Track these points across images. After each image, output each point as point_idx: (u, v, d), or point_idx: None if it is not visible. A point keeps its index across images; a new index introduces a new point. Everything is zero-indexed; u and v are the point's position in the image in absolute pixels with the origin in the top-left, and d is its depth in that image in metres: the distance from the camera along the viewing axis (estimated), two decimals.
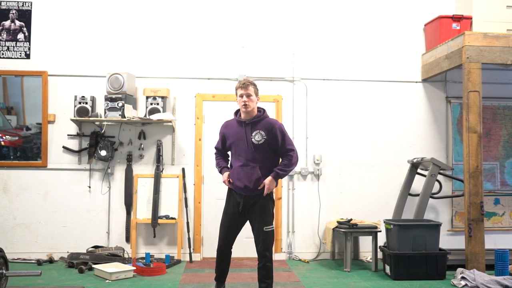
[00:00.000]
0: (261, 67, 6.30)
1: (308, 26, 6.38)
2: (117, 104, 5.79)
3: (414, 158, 6.06)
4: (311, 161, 6.29)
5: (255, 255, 4.13)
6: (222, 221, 4.22)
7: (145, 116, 5.93)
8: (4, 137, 6.12)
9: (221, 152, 4.34)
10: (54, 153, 6.07)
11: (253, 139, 4.03)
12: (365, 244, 6.16)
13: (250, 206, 4.10)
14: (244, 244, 6.04)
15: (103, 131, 6.02)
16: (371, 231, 5.64)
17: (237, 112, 4.25)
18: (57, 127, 6.08)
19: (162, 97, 5.94)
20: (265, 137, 4.05)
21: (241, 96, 4.09)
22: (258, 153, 4.04)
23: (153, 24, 6.25)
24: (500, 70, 6.35)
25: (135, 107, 6.09)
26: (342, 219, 5.92)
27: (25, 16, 6.15)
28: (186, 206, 6.07)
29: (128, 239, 6.02)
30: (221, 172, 4.24)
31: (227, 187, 4.24)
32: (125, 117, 5.79)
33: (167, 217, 5.97)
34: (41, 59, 6.12)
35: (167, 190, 6.08)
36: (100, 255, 5.58)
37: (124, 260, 5.60)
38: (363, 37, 6.43)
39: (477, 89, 5.32)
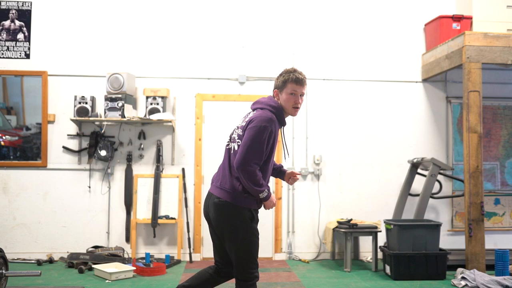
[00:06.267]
0: (261, 67, 6.30)
1: (308, 26, 6.38)
2: (117, 104, 5.79)
3: (414, 158, 6.06)
4: (311, 161, 6.29)
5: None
6: (255, 244, 3.12)
7: (145, 116, 5.93)
8: (4, 137, 6.12)
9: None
10: (54, 153, 6.06)
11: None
12: (365, 244, 6.16)
13: None
14: None
15: (103, 131, 6.02)
16: (371, 231, 5.63)
17: (276, 108, 3.05)
18: (57, 127, 6.08)
19: (162, 97, 5.94)
20: None
21: (294, 93, 3.02)
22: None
23: (153, 24, 6.24)
24: (500, 70, 6.36)
25: (135, 107, 6.09)
26: (342, 219, 5.92)
27: (25, 16, 6.14)
28: (186, 206, 6.07)
29: (128, 239, 6.02)
30: (268, 194, 3.02)
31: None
32: (125, 117, 5.79)
33: (167, 217, 5.96)
34: (41, 59, 6.12)
35: (167, 190, 6.07)
36: (100, 255, 5.57)
37: (124, 260, 5.59)
38: (363, 37, 6.42)
39: (477, 89, 5.32)
